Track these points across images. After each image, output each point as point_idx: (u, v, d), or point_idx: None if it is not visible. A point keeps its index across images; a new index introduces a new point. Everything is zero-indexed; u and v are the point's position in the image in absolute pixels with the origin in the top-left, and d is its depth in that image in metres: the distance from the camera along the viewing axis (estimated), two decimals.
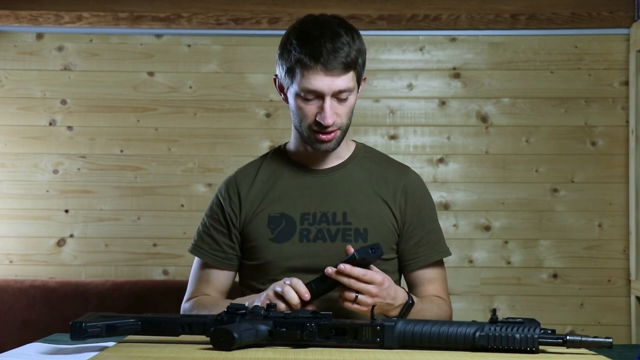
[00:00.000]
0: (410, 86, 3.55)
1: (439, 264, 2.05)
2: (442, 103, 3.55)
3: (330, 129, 1.89)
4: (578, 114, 3.52)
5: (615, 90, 3.51)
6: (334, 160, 2.02)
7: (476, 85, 3.54)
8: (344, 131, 1.94)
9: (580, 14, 3.46)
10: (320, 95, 1.87)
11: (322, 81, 1.86)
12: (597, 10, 3.45)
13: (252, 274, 1.99)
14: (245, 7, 3.48)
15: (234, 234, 2.00)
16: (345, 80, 1.88)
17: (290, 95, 1.93)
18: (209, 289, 2.01)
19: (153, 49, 3.56)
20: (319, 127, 1.89)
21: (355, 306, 1.72)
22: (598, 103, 3.52)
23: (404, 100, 3.55)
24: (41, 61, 3.55)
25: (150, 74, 3.55)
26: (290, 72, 1.90)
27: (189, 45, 3.55)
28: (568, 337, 1.46)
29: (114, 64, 3.55)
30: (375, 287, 1.71)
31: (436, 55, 3.56)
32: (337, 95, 1.88)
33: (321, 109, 1.87)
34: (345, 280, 1.70)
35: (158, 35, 3.56)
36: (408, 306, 1.81)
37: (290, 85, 1.91)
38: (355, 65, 1.90)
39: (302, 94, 1.88)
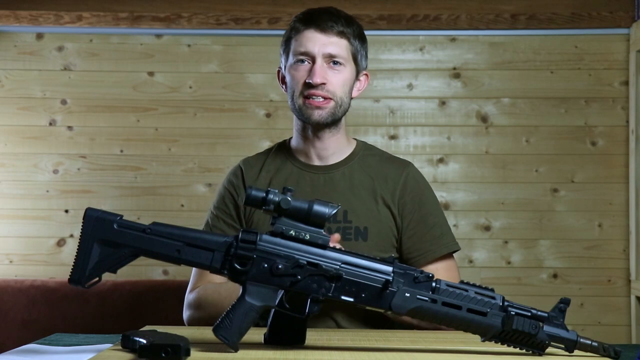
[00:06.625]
0: (410, 86, 3.55)
1: (447, 257, 2.01)
2: (442, 103, 3.55)
3: (320, 93, 1.89)
4: (578, 114, 3.52)
5: (615, 90, 3.51)
6: (335, 156, 2.00)
7: (476, 85, 3.54)
8: (339, 105, 1.93)
9: (580, 14, 3.46)
10: (312, 58, 1.89)
11: (313, 40, 1.89)
12: (597, 10, 3.45)
13: None
14: (245, 7, 3.48)
15: (243, 223, 1.99)
16: (338, 46, 1.90)
17: (287, 73, 1.94)
18: (213, 276, 1.93)
19: (153, 49, 3.55)
20: (308, 89, 1.89)
21: None
22: (598, 103, 3.52)
23: (404, 100, 3.55)
24: (41, 61, 3.54)
25: (150, 74, 3.54)
26: (287, 45, 1.94)
27: (189, 45, 3.55)
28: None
29: (114, 64, 3.55)
30: None
31: (436, 55, 3.56)
32: (329, 60, 1.90)
33: (311, 70, 1.89)
34: None
35: (158, 35, 3.55)
36: None
37: (287, 62, 1.94)
38: (350, 38, 1.92)
39: (295, 60, 1.91)
